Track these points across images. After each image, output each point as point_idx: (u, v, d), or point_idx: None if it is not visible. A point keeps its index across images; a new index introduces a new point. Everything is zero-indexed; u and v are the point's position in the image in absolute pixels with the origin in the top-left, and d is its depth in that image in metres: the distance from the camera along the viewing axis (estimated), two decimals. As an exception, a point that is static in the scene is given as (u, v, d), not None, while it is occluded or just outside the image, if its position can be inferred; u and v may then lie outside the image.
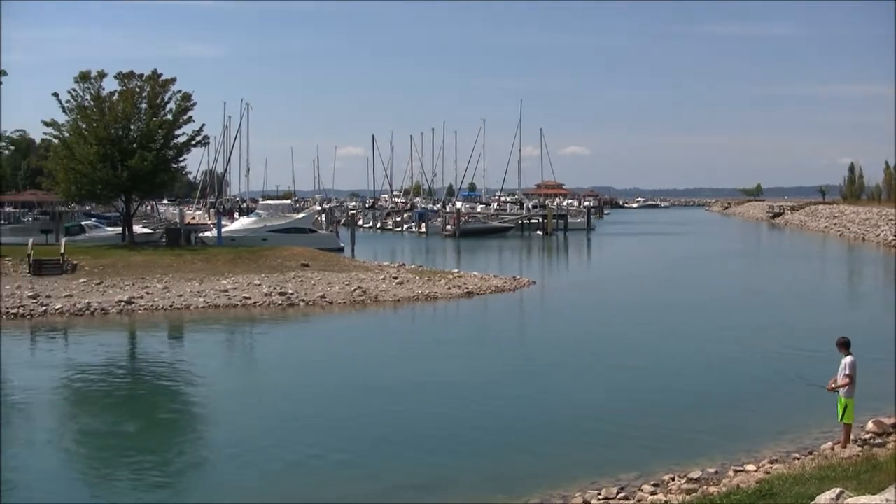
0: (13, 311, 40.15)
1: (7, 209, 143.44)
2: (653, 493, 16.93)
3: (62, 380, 28.58)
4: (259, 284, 46.57)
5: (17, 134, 72.77)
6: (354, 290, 46.20)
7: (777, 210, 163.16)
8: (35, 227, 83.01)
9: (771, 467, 17.87)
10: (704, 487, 16.75)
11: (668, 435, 21.42)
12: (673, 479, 17.68)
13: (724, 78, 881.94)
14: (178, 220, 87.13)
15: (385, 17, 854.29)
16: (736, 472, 17.96)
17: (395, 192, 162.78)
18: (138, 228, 73.03)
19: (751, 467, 18.19)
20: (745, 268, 69.49)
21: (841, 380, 18.33)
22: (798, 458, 18.59)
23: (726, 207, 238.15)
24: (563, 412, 23.99)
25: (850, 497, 10.44)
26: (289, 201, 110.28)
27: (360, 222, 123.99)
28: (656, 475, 18.02)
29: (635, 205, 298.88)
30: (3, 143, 66.43)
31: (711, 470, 18.17)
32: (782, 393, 25.35)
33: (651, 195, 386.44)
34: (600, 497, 16.83)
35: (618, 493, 16.92)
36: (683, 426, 22.21)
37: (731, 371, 29.29)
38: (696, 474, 17.75)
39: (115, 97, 59.94)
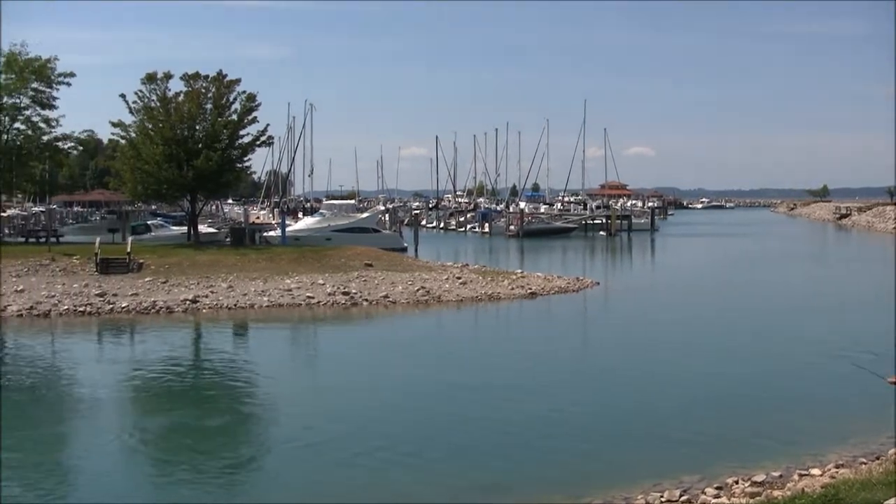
0: (80, 308, 40.67)
1: (75, 208, 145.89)
2: (716, 497, 16.74)
3: (130, 377, 28.92)
4: (323, 284, 46.73)
5: (85, 134, 73.70)
6: (418, 289, 46.23)
7: (844, 211, 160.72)
8: (102, 226, 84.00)
9: (837, 472, 17.61)
10: (769, 491, 16.54)
11: (732, 437, 21.23)
12: (737, 482, 17.49)
13: (791, 77, 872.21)
14: (242, 219, 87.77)
15: (449, 18, 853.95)
16: (801, 475, 17.72)
17: (458, 193, 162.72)
18: (203, 228, 73.67)
19: (816, 471, 17.94)
20: (812, 270, 68.69)
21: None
22: (865, 463, 18.30)
23: (792, 208, 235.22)
24: (626, 413, 23.84)
25: (920, 503, 10.31)
26: (353, 201, 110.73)
27: (424, 222, 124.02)
28: (719, 478, 17.82)
29: (700, 206, 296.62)
30: (72, 144, 67.09)
31: (776, 473, 17.93)
32: (849, 396, 24.99)
33: (715, 196, 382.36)
34: (663, 499, 16.68)
35: (680, 496, 16.75)
36: (748, 428, 21.99)
37: (797, 374, 28.96)
38: (760, 478, 17.54)
39: (181, 98, 60.48)
